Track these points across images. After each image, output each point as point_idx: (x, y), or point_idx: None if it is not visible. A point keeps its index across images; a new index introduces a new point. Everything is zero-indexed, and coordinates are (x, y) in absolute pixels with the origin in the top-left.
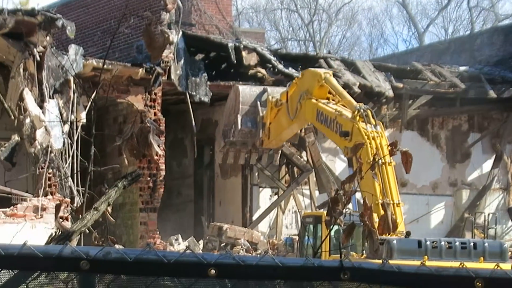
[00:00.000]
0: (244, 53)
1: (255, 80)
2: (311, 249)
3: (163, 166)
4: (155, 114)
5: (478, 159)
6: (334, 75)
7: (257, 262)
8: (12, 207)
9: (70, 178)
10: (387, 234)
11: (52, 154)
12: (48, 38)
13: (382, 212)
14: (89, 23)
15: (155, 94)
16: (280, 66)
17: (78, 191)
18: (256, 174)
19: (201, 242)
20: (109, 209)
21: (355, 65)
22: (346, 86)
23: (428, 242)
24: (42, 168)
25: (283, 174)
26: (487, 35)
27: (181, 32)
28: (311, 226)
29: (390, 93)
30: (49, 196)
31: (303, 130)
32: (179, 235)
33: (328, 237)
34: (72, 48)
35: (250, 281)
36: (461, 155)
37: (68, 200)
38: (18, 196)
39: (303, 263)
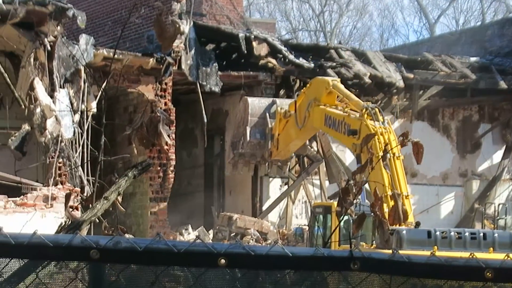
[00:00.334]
0: (254, 44)
1: (266, 70)
2: (321, 239)
3: (173, 156)
4: (165, 104)
5: (488, 149)
6: (345, 65)
7: (267, 252)
8: (22, 197)
9: (80, 168)
10: (398, 225)
11: (63, 144)
12: (59, 27)
13: (392, 203)
14: (100, 13)
15: (166, 84)
16: (291, 57)
17: (88, 180)
18: (267, 164)
19: (211, 232)
20: (119, 198)
21: (365, 56)
22: (356, 76)
23: (437, 233)
24: (52, 157)
25: (293, 164)
26: (498, 26)
27: (192, 22)
28: (321, 216)
29: (400, 83)
30: (59, 186)
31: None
32: (189, 225)
33: (338, 227)
34: (83, 38)
35: (260, 271)
36: (472, 146)
37: (78, 189)
38: (28, 186)
39: (313, 253)
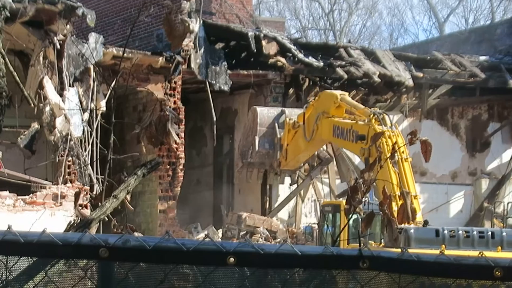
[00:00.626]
0: (264, 42)
1: (275, 69)
2: (330, 237)
3: (182, 155)
4: (174, 102)
5: (497, 148)
6: (354, 64)
7: (276, 251)
8: (31, 195)
9: (89, 166)
10: (406, 223)
11: (72, 142)
12: (68, 26)
13: (400, 202)
14: (109, 11)
15: (175, 82)
16: (300, 55)
17: (97, 179)
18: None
19: (220, 230)
20: (128, 197)
21: (375, 55)
22: (366, 75)
23: (445, 231)
24: (61, 156)
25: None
26: (508, 25)
27: (201, 21)
28: (330, 215)
29: (410, 82)
30: (69, 184)
31: None
32: (198, 223)
33: (347, 225)
34: (92, 37)
35: (269, 270)
36: (481, 145)
37: (87, 188)
38: (38, 184)
39: (322, 252)
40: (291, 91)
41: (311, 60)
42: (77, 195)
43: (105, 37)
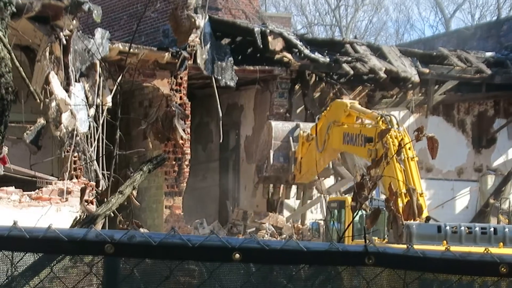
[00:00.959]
0: (270, 38)
1: (281, 65)
2: (336, 234)
3: (188, 150)
4: (180, 98)
5: (503, 144)
6: (360, 60)
7: (282, 247)
8: (37, 190)
9: (95, 162)
10: (412, 220)
11: (78, 138)
12: (74, 21)
13: (406, 198)
14: (116, 7)
15: (181, 78)
16: (306, 51)
17: (103, 174)
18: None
19: (226, 226)
20: (134, 192)
21: (381, 50)
22: (372, 71)
23: (447, 227)
24: (67, 151)
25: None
26: None
27: (207, 17)
28: (336, 211)
29: (416, 78)
30: (74, 180)
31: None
32: (204, 219)
33: (353, 222)
34: (99, 32)
35: (275, 266)
36: (487, 141)
37: (93, 183)
38: (43, 180)
39: (328, 248)
40: (297, 87)
41: (317, 56)
42: (82, 191)
43: (111, 32)
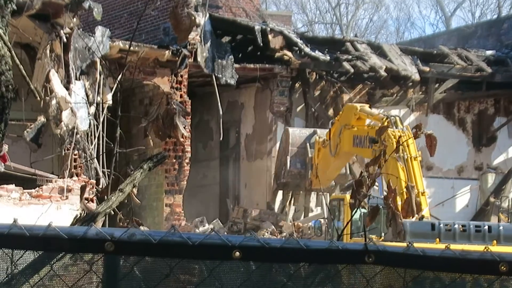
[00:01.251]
0: (270, 36)
1: (281, 63)
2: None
3: (188, 148)
4: (181, 96)
5: (504, 143)
6: (361, 58)
7: (282, 245)
8: (37, 188)
9: (95, 160)
10: (411, 217)
11: (78, 136)
12: (75, 19)
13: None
14: (116, 5)
15: (181, 76)
16: (307, 49)
17: (103, 172)
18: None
19: (226, 224)
20: (135, 190)
21: (381, 49)
22: (372, 69)
23: (441, 225)
24: (67, 149)
25: None
26: None
27: (208, 15)
28: (336, 209)
29: (416, 76)
30: (75, 178)
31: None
32: (204, 217)
33: (352, 219)
34: (99, 30)
35: (275, 264)
36: (487, 139)
37: (93, 181)
38: (44, 177)
39: (328, 246)
40: (297, 85)
41: (317, 54)
42: (83, 189)
43: (112, 30)
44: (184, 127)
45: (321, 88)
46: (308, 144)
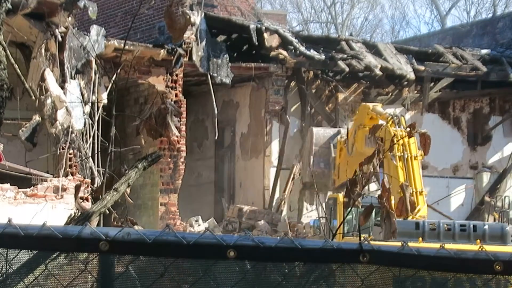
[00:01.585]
0: (265, 35)
1: (277, 62)
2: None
3: (183, 147)
4: (176, 95)
5: (499, 142)
6: (356, 57)
7: (276, 244)
8: (32, 188)
9: (90, 159)
10: (405, 216)
11: (73, 135)
12: (70, 18)
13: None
14: (111, 4)
15: (177, 75)
16: (302, 48)
17: (98, 171)
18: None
19: (221, 223)
20: (128, 190)
21: (376, 48)
22: (367, 68)
23: (426, 224)
24: (63, 148)
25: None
26: (509, 18)
27: (203, 14)
28: (331, 209)
29: (411, 75)
30: (70, 177)
31: None
32: (199, 217)
33: (347, 218)
34: (94, 29)
35: (269, 263)
36: (482, 138)
37: (88, 180)
38: (39, 177)
39: (322, 245)
40: (292, 84)
41: (312, 53)
42: (77, 188)
43: (107, 29)
44: (176, 127)
45: (316, 87)
46: (331, 144)
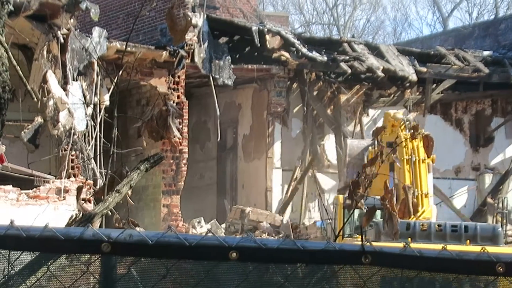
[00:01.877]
0: (268, 37)
1: (279, 63)
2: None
3: (186, 149)
4: (178, 97)
5: (501, 143)
6: (358, 59)
7: (279, 246)
8: (35, 189)
9: (93, 160)
10: (408, 218)
11: (75, 136)
12: (72, 20)
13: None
14: (113, 5)
15: (179, 77)
16: (304, 50)
17: (100, 173)
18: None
19: (223, 225)
20: (129, 192)
21: (378, 49)
22: (369, 70)
23: (416, 225)
24: (65, 150)
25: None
26: (511, 20)
27: (205, 15)
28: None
29: (413, 77)
30: (72, 178)
31: None
32: (202, 218)
33: (350, 220)
34: (96, 31)
35: (272, 265)
36: (484, 140)
37: (91, 182)
38: (41, 178)
39: (324, 247)
40: (294, 85)
41: (314, 54)
42: (79, 190)
43: (109, 31)
44: (178, 129)
45: (319, 88)
46: (365, 155)
